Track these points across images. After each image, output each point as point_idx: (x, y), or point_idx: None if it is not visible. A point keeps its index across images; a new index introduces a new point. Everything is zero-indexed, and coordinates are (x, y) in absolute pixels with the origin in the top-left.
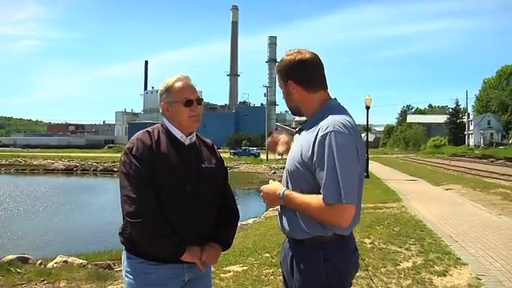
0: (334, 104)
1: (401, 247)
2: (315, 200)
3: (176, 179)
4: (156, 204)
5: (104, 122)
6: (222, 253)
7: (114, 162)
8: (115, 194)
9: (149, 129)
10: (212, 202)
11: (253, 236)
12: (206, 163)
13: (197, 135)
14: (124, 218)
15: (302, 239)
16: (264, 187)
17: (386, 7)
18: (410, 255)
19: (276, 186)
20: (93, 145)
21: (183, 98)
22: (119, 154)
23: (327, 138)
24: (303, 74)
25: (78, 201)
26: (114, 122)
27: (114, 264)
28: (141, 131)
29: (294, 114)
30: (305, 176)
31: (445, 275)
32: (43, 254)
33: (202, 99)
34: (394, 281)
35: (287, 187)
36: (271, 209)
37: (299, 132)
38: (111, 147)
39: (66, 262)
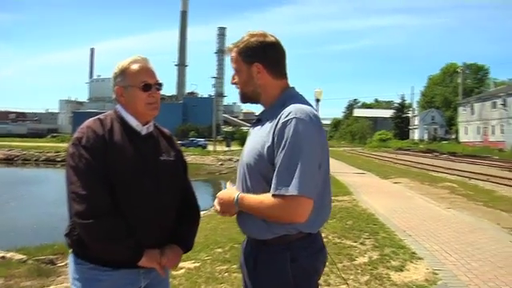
0: (294, 93)
1: (355, 241)
2: (269, 197)
3: (132, 173)
4: (109, 202)
5: (47, 110)
6: None
7: (58, 151)
8: (58, 186)
9: (100, 116)
10: (172, 199)
11: (203, 230)
12: (165, 155)
13: (154, 125)
14: (71, 218)
15: (265, 240)
16: (219, 194)
17: (337, 1)
18: (366, 250)
19: (231, 191)
20: (35, 134)
21: (140, 81)
22: (63, 144)
23: (288, 125)
24: (272, 58)
25: (18, 192)
26: (57, 111)
27: (56, 259)
28: (91, 119)
29: (247, 101)
30: (267, 170)
31: (402, 270)
32: None
33: (161, 84)
34: (351, 277)
35: (245, 186)
36: None
37: (255, 124)
38: (54, 136)
39: (3, 257)
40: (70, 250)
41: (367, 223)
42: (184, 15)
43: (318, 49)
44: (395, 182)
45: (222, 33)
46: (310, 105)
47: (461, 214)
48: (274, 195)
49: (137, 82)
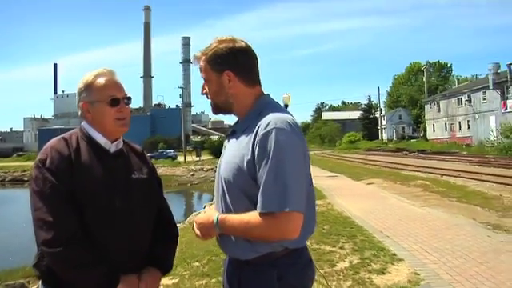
0: (269, 100)
1: (334, 246)
2: (255, 215)
3: (102, 194)
4: (78, 227)
5: (11, 128)
6: None
7: (25, 170)
8: (27, 206)
9: (65, 135)
10: (146, 219)
11: (179, 244)
12: (137, 173)
13: (124, 141)
14: (39, 247)
15: (248, 259)
16: (197, 218)
17: (299, 6)
18: (346, 254)
19: (209, 213)
20: (0, 153)
21: (108, 96)
22: (29, 163)
23: (268, 137)
24: (244, 65)
25: None
26: (22, 129)
27: (28, 282)
28: (55, 138)
29: (219, 111)
30: (248, 185)
31: (384, 273)
32: None
33: (129, 98)
34: (334, 283)
35: (225, 204)
36: (194, 213)
37: (230, 136)
38: (20, 155)
39: None
40: (40, 281)
41: (344, 227)
42: (147, 26)
43: (282, 54)
44: (368, 183)
45: (186, 42)
46: (287, 112)
47: (436, 212)
48: (261, 213)
49: (104, 96)
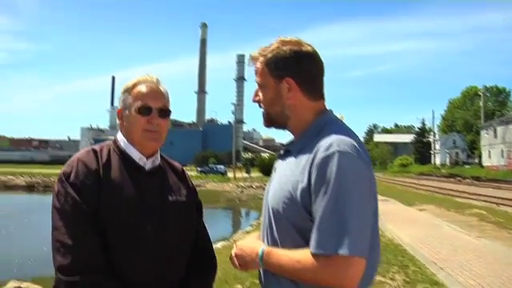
0: (332, 118)
1: (384, 276)
2: (307, 255)
3: (131, 217)
4: (101, 254)
5: (69, 137)
6: None
7: None
8: None
9: (95, 146)
10: (181, 248)
11: (222, 263)
12: (174, 195)
13: (162, 157)
14: (56, 274)
15: None
16: (240, 243)
17: (354, 27)
18: (396, 286)
19: (254, 243)
20: (57, 161)
21: (139, 103)
22: None
23: (330, 162)
24: (308, 73)
25: (37, 219)
26: (79, 138)
27: None
28: (84, 149)
29: (272, 124)
30: (300, 218)
31: None
32: None
33: (168, 110)
34: None
35: (271, 237)
36: (241, 231)
37: (282, 157)
38: None
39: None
40: None
41: (395, 255)
42: (203, 43)
43: (335, 75)
44: (420, 209)
45: (240, 60)
46: (353, 133)
47: (493, 244)
48: (315, 254)
49: (136, 103)
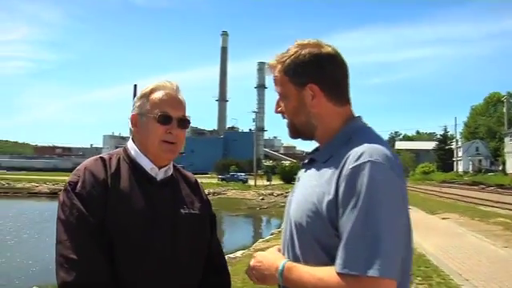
0: (361, 124)
1: None
2: (332, 273)
3: (140, 230)
4: (105, 270)
5: (91, 145)
6: None
7: None
8: None
9: (104, 155)
10: (193, 264)
11: (242, 272)
12: (187, 208)
13: (175, 167)
14: None
15: None
16: (259, 254)
17: (373, 34)
18: None
19: (275, 256)
20: None
21: (159, 110)
22: None
23: (361, 172)
24: (332, 77)
25: None
26: (101, 146)
27: None
28: (92, 158)
29: (297, 135)
30: (325, 234)
31: None
32: (17, 284)
33: (188, 121)
34: None
35: (292, 252)
36: (261, 240)
37: (307, 166)
38: None
39: None
40: None
41: (418, 265)
42: (224, 51)
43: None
44: (443, 218)
45: (261, 67)
46: (385, 142)
47: None
48: (341, 274)
49: (154, 110)
